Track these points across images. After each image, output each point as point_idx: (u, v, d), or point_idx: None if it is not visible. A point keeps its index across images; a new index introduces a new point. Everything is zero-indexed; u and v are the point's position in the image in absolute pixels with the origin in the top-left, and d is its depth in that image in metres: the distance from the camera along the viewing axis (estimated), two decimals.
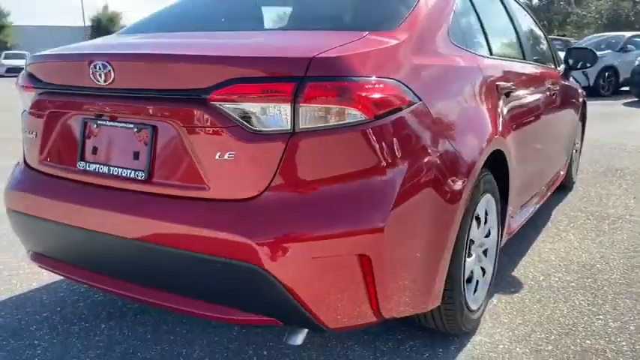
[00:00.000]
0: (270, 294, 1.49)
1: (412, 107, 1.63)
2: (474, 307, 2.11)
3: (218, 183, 1.53)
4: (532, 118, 2.67)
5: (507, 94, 2.34)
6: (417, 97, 1.66)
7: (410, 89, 1.64)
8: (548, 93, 3.03)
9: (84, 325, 2.20)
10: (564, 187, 4.31)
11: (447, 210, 1.72)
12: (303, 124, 1.47)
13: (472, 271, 2.10)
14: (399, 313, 1.69)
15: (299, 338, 1.62)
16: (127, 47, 1.87)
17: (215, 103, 1.49)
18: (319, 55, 1.48)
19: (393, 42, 1.70)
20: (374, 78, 1.53)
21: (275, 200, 1.48)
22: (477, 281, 2.17)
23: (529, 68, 2.86)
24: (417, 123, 1.64)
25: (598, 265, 2.87)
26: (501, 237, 2.43)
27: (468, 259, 1.99)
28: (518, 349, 2.05)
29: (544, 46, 3.61)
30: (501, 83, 2.27)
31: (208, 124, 1.51)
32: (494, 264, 2.34)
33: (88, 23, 58.66)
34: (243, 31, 2.03)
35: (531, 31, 3.41)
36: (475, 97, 2.01)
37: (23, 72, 1.98)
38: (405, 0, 1.95)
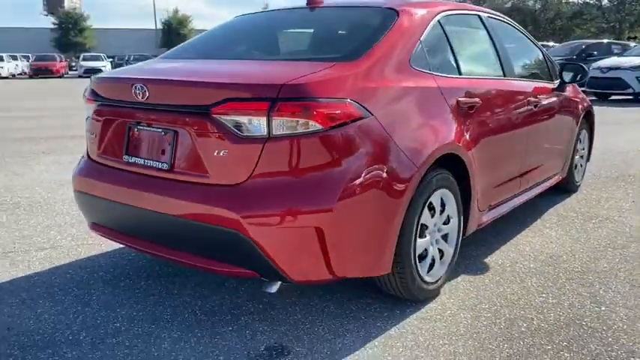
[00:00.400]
0: (250, 253, 2.08)
1: (363, 120, 2.17)
2: (429, 279, 2.62)
3: (216, 172, 2.13)
4: (503, 128, 3.14)
5: (471, 107, 2.83)
6: (369, 112, 2.21)
7: (363, 106, 2.19)
8: (529, 105, 3.46)
9: (128, 282, 2.88)
10: (566, 190, 4.67)
11: (391, 198, 2.25)
12: (275, 131, 2.05)
13: (426, 250, 2.61)
14: (350, 274, 2.25)
15: (274, 288, 2.20)
16: (159, 73, 2.52)
17: (215, 115, 2.10)
18: (288, 83, 2.06)
19: (352, 70, 2.26)
20: (330, 99, 2.10)
21: (255, 186, 2.07)
22: (434, 259, 2.67)
23: (506, 84, 3.31)
24: (366, 132, 2.18)
25: (564, 257, 3.28)
26: (466, 227, 2.91)
27: (419, 240, 2.51)
28: (462, 314, 2.54)
29: (535, 62, 4.03)
30: (464, 99, 2.77)
31: (210, 130, 2.12)
32: (456, 247, 2.83)
33: (160, 26, 61.52)
34: (248, 60, 2.64)
35: (520, 50, 3.85)
36: (428, 111, 2.52)
37: (87, 88, 2.67)
38: (370, 37, 2.50)
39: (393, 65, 2.44)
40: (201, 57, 2.81)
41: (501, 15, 3.81)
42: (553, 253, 3.34)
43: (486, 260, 3.23)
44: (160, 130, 2.29)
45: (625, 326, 2.41)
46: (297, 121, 2.05)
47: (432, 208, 2.60)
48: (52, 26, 58.34)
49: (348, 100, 2.15)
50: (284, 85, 2.05)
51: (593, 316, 2.51)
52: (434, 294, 2.70)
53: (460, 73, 2.93)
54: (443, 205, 2.69)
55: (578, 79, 4.04)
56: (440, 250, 2.74)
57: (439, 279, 2.71)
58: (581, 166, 4.85)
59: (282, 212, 2.06)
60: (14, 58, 35.07)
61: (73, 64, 36.21)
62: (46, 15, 64.88)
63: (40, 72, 31.94)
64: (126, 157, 2.44)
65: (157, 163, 2.31)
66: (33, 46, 52.93)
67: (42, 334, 2.32)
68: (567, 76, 4.09)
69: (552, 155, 4.06)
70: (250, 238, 2.05)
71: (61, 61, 35.29)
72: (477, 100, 2.89)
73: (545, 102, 3.76)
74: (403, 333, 2.35)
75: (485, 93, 3.02)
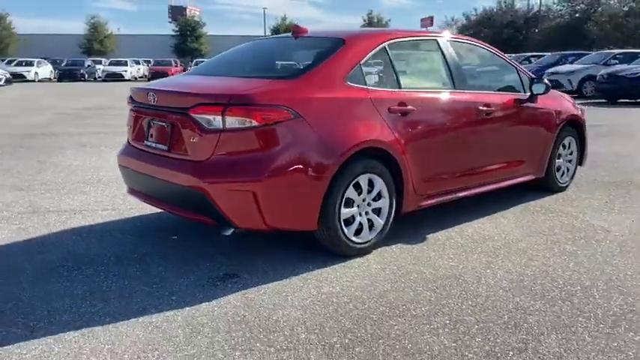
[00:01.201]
0: (211, 207, 3.14)
1: (292, 120, 3.15)
2: (357, 240, 3.52)
3: (192, 152, 3.21)
4: (441, 132, 3.95)
5: (404, 114, 3.70)
6: (299, 114, 3.18)
7: (293, 110, 3.17)
8: (479, 113, 4.21)
9: (153, 233, 4.05)
10: (547, 189, 5.26)
11: (313, 175, 3.19)
12: (227, 126, 3.09)
13: (353, 217, 3.51)
14: (281, 226, 3.24)
15: (228, 232, 3.24)
16: (166, 86, 3.67)
17: (192, 114, 3.19)
18: (235, 93, 3.11)
19: (289, 85, 3.26)
20: (264, 105, 3.11)
21: (214, 162, 3.13)
22: (362, 225, 3.57)
23: (452, 95, 4.10)
24: (294, 128, 3.16)
25: (496, 237, 4.01)
26: (400, 207, 3.77)
27: (345, 209, 3.42)
28: (375, 265, 3.42)
29: (502, 77, 4.74)
30: (396, 107, 3.64)
31: (189, 124, 3.20)
32: (387, 220, 3.68)
33: (268, 33, 64.85)
34: (228, 76, 3.71)
35: (485, 67, 4.60)
36: (355, 115, 3.43)
37: (129, 95, 3.87)
38: (315, 61, 3.48)
39: (327, 81, 3.41)
40: (204, 73, 3.95)
41: (471, 39, 4.59)
42: (488, 234, 4.07)
43: (429, 235, 4.03)
44: (164, 123, 3.42)
45: (483, 284, 3.18)
46: (241, 119, 3.09)
47: (359, 187, 3.50)
48: (173, 33, 63.65)
49: (280, 105, 3.15)
50: (232, 95, 3.11)
51: (470, 274, 3.30)
52: (363, 252, 3.59)
53: (400, 87, 3.80)
54: (372, 186, 3.58)
55: (543, 91, 4.68)
56: (370, 220, 3.63)
57: (367, 241, 3.60)
58: (567, 169, 5.40)
59: (230, 180, 3.10)
60: (137, 62, 39.08)
61: (189, 67, 39.78)
62: (170, 22, 70.88)
63: (157, 75, 35.41)
64: (146, 142, 3.60)
65: (162, 146, 3.44)
66: (155, 51, 57.86)
67: (98, 257, 3.54)
68: (539, 88, 4.73)
69: (517, 157, 4.72)
70: (210, 197, 3.11)
71: (176, 65, 38.84)
72: (411, 107, 3.74)
73: (503, 111, 4.47)
74: (323, 273, 3.29)
75: (422, 102, 3.85)
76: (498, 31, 56.40)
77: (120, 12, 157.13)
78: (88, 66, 36.63)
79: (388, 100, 3.65)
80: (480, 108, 4.25)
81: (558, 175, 5.29)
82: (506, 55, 5.01)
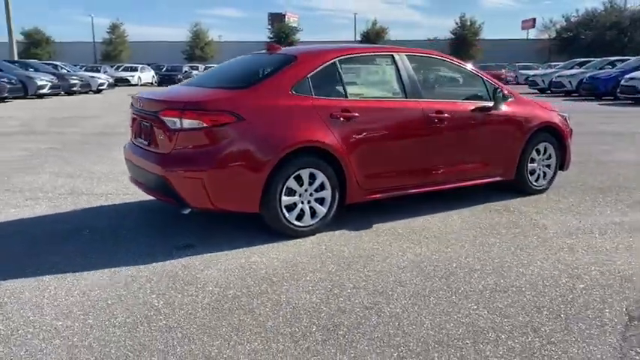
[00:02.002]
0: (171, 190, 3.99)
1: (236, 122, 3.93)
2: (298, 224, 4.23)
3: (160, 147, 4.08)
4: (385, 135, 4.54)
5: (347, 119, 4.35)
6: (242, 117, 3.96)
7: (237, 114, 3.95)
8: (429, 119, 4.75)
9: (150, 213, 4.99)
10: (520, 191, 5.63)
11: (254, 167, 3.95)
12: (183, 126, 3.93)
13: (295, 204, 4.21)
14: (227, 208, 4.02)
15: (186, 211, 4.08)
16: (150, 94, 4.56)
17: (160, 117, 4.06)
18: (189, 100, 3.95)
19: (237, 94, 4.05)
20: (212, 110, 3.92)
21: (174, 155, 3.98)
22: (304, 212, 4.26)
23: (400, 103, 4.68)
24: (238, 129, 3.94)
25: (434, 229, 4.54)
26: (344, 199, 4.42)
27: (286, 197, 4.14)
28: (307, 245, 4.10)
29: (463, 87, 5.22)
30: (338, 113, 4.31)
31: (159, 125, 4.08)
32: (329, 209, 4.35)
33: (359, 37, 65.81)
34: (201, 87, 4.54)
35: (446, 78, 5.12)
36: (297, 119, 4.14)
37: (130, 102, 4.82)
38: (267, 74, 4.24)
39: (272, 91, 4.16)
40: (190, 84, 4.82)
41: (435, 53, 5.16)
42: (429, 227, 4.60)
43: (376, 224, 4.63)
44: (147, 123, 4.33)
45: (385, 263, 3.77)
46: (194, 121, 3.92)
47: (300, 179, 4.21)
48: (267, 40, 66.40)
49: (226, 111, 3.94)
50: (188, 102, 3.95)
51: (381, 255, 3.89)
52: (305, 235, 4.28)
53: (346, 96, 4.45)
54: (314, 178, 4.27)
55: (501, 101, 5.12)
56: (312, 208, 4.32)
57: (309, 226, 4.29)
58: (544, 173, 5.73)
59: (184, 169, 3.93)
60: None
61: None
62: (269, 29, 73.92)
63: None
64: (138, 139, 4.53)
65: (145, 142, 4.35)
66: None
67: (99, 227, 4.53)
68: (499, 98, 5.17)
69: (479, 159, 5.17)
70: (170, 182, 3.97)
71: None
72: (354, 114, 4.38)
73: (459, 117, 4.97)
74: (261, 248, 4.03)
75: (365, 109, 4.47)
76: (600, 33, 53.57)
77: (225, 19, 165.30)
78: (185, 71, 39.39)
79: (331, 107, 4.32)
80: (431, 115, 4.78)
81: (532, 178, 5.64)
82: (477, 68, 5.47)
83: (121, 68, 38.90)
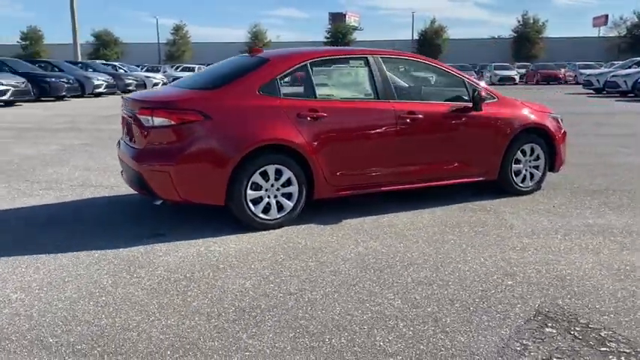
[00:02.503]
0: (144, 183, 4.36)
1: (202, 120, 4.25)
2: (265, 217, 4.49)
3: (137, 143, 4.44)
4: (353, 134, 4.73)
5: (314, 118, 4.58)
6: (209, 116, 4.27)
7: (204, 113, 4.26)
8: (400, 119, 4.89)
9: (138, 205, 5.39)
10: (505, 191, 5.66)
11: (218, 162, 4.25)
12: (154, 124, 4.28)
13: (261, 198, 4.48)
14: (194, 200, 4.34)
15: (158, 202, 4.43)
16: (132, 95, 4.94)
17: (137, 115, 4.43)
18: (160, 100, 4.30)
19: (206, 95, 4.36)
20: (180, 109, 4.24)
21: (146, 150, 4.34)
22: (270, 205, 4.52)
23: (370, 104, 4.85)
24: (204, 127, 4.25)
25: (400, 226, 4.68)
26: (311, 194, 4.65)
27: (252, 191, 4.41)
28: (269, 236, 4.35)
29: (441, 88, 5.32)
30: (305, 112, 4.54)
31: (136, 123, 4.45)
32: (296, 203, 4.59)
33: (417, 37, 65.27)
34: (181, 88, 4.87)
35: (422, 80, 5.24)
36: (263, 118, 4.40)
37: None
38: (237, 76, 4.53)
39: (240, 92, 4.44)
40: (173, 85, 5.17)
41: (415, 56, 5.29)
42: (395, 223, 4.74)
43: (346, 220, 4.80)
44: (129, 122, 4.72)
45: (330, 254, 3.97)
46: (163, 119, 4.26)
47: (266, 175, 4.47)
48: (324, 40, 66.97)
49: (194, 110, 4.26)
50: (157, 102, 4.30)
51: (331, 248, 4.10)
52: (272, 227, 4.53)
53: (315, 97, 4.68)
54: (280, 174, 4.52)
55: (479, 102, 5.18)
56: (279, 202, 4.57)
57: (276, 219, 4.54)
58: (531, 174, 5.73)
59: (155, 163, 4.28)
60: None
61: None
62: (327, 29, 74.42)
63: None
64: (125, 137, 4.93)
65: (128, 139, 4.74)
66: None
67: (92, 215, 4.97)
68: (477, 99, 5.24)
69: (457, 159, 5.26)
70: (142, 175, 4.33)
71: None
72: (322, 114, 4.60)
73: (434, 118, 5.08)
74: (224, 238, 4.33)
75: (333, 109, 4.68)
76: None
77: (287, 19, 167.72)
78: None
79: (299, 107, 4.56)
80: (402, 115, 4.92)
81: (518, 179, 5.65)
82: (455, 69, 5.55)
83: (180, 68, 40.36)
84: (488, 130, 5.38)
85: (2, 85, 16.39)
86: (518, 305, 3.11)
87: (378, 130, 4.88)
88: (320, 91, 4.75)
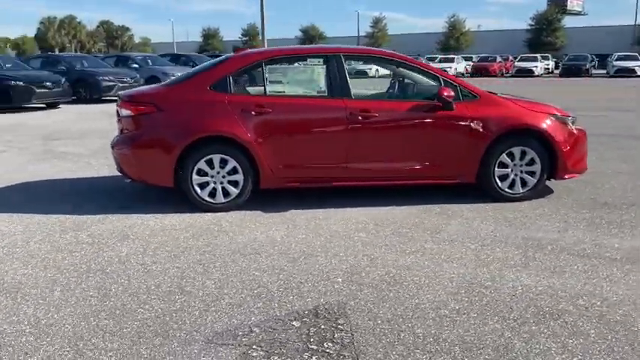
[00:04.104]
0: (117, 164, 5.24)
1: (156, 112, 4.96)
2: (211, 200, 5.02)
3: (117, 131, 5.34)
4: (298, 129, 4.98)
5: (259, 113, 4.97)
6: (161, 109, 4.97)
7: (157, 106, 4.97)
8: (351, 116, 4.98)
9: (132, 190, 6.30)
10: (489, 195, 5.32)
11: (166, 149, 4.91)
12: (122, 115, 5.12)
13: (207, 183, 5.03)
14: (148, 181, 5.09)
15: (127, 180, 5.26)
16: (123, 92, 5.80)
17: (117, 108, 5.30)
18: (125, 95, 5.11)
19: (163, 90, 5.06)
20: (138, 101, 5.01)
21: (120, 137, 5.19)
22: (215, 190, 5.05)
23: (315, 101, 5.04)
24: (156, 118, 4.96)
25: (334, 219, 4.85)
26: (258, 183, 5.06)
27: (197, 177, 4.99)
28: (208, 217, 4.89)
29: (406, 86, 5.23)
30: (251, 106, 4.95)
31: (119, 114, 5.32)
32: (242, 190, 5.04)
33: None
34: (156, 84, 5.60)
35: (385, 77, 5.19)
36: (209, 112, 4.93)
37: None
38: (196, 73, 5.12)
39: (192, 87, 5.04)
40: (163, 83, 5.94)
41: (386, 53, 5.33)
42: (336, 217, 4.88)
43: (293, 211, 5.09)
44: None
45: (237, 239, 4.36)
46: (126, 111, 5.07)
47: (211, 163, 5.01)
48: (528, 27, 62.67)
49: (149, 102, 4.99)
50: (125, 96, 5.12)
51: (239, 233, 4.49)
52: (220, 210, 5.05)
53: (265, 93, 5.06)
54: (225, 163, 5.02)
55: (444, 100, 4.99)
56: (225, 189, 5.07)
57: (222, 203, 5.06)
58: (522, 180, 5.27)
59: (122, 147, 5.13)
60: (466, 59, 41.04)
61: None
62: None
63: (479, 71, 36.66)
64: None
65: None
66: (510, 47, 58.10)
67: (90, 190, 6.06)
68: (444, 97, 5.04)
69: (423, 159, 5.14)
70: (116, 158, 5.22)
71: (499, 61, 39.18)
72: (267, 109, 4.97)
73: (398, 116, 5.06)
74: (175, 215, 4.99)
75: (280, 106, 5.00)
76: None
77: (503, 5, 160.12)
78: None
79: (245, 103, 4.99)
80: (354, 113, 5.00)
81: (504, 184, 5.27)
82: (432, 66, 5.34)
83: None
84: (460, 131, 5.13)
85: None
86: (306, 298, 3.23)
87: (326, 127, 5.06)
88: (272, 88, 5.10)
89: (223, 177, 5.06)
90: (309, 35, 73.88)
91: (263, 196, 5.28)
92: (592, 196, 5.50)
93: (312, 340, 2.77)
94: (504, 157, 5.22)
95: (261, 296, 3.29)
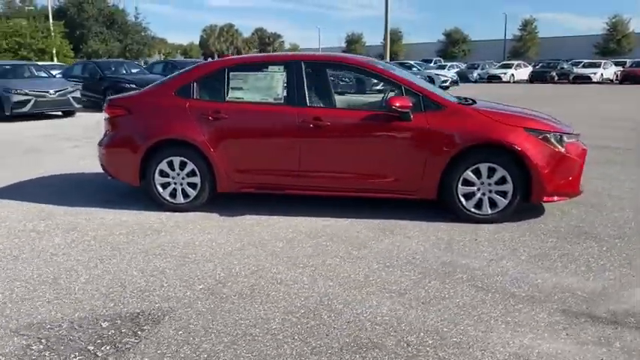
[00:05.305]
0: (101, 162, 5.71)
1: (126, 115, 5.33)
2: (172, 200, 5.27)
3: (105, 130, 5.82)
4: (251, 134, 5.03)
5: (216, 118, 5.11)
6: (131, 112, 5.33)
7: (128, 109, 5.34)
8: (303, 123, 4.91)
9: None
10: (452, 212, 4.91)
11: (133, 149, 5.24)
12: (105, 117, 5.57)
13: (169, 183, 5.27)
14: (120, 178, 5.47)
15: (109, 177, 5.70)
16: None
17: (104, 110, 5.77)
18: (109, 98, 5.55)
19: (134, 94, 5.41)
20: (115, 105, 5.42)
21: (102, 138, 5.65)
22: (176, 191, 5.28)
23: (270, 108, 5.00)
24: (127, 120, 5.32)
25: (303, 229, 4.83)
26: (215, 187, 5.20)
27: (160, 177, 5.26)
28: (162, 216, 5.14)
29: (364, 95, 4.96)
30: (207, 113, 5.11)
31: (104, 115, 5.80)
32: (199, 192, 5.20)
33: None
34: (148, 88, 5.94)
35: (343, 85, 5.02)
36: (170, 117, 5.17)
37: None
38: (164, 80, 5.39)
39: (158, 93, 5.33)
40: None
41: (351, 61, 5.18)
42: (293, 227, 4.87)
43: (247, 216, 5.15)
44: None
45: (165, 239, 4.55)
46: (105, 113, 5.51)
47: (172, 165, 5.26)
48: None
49: (122, 105, 5.38)
50: (107, 99, 5.56)
51: (170, 233, 4.67)
52: (181, 210, 5.27)
53: (224, 99, 5.18)
54: (184, 165, 5.24)
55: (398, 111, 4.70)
56: (184, 190, 5.29)
57: (182, 204, 5.27)
58: (492, 200, 4.78)
59: (101, 146, 5.57)
60: (617, 64, 37.04)
61: None
62: None
63: (628, 78, 32.83)
64: None
65: None
66: None
67: (93, 183, 6.62)
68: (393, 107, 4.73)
69: (376, 171, 4.89)
70: (99, 157, 5.69)
71: None
72: (224, 115, 5.09)
73: (351, 125, 4.89)
74: (140, 212, 5.32)
75: (235, 112, 5.07)
76: None
77: None
78: (561, 68, 37.22)
79: (204, 108, 5.15)
80: (307, 121, 4.91)
81: (469, 203, 4.82)
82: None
83: (498, 65, 39.73)
84: (417, 143, 4.80)
85: None
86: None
87: (279, 134, 5.04)
88: (232, 94, 5.18)
89: (183, 179, 5.26)
90: (452, 39, 71.87)
91: (230, 200, 5.40)
92: (580, 223, 4.80)
93: (97, 342, 2.85)
94: (469, 174, 4.77)
95: (110, 295, 3.43)
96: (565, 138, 4.83)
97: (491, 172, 4.74)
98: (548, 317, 3.11)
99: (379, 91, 5.27)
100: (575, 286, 3.53)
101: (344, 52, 77.10)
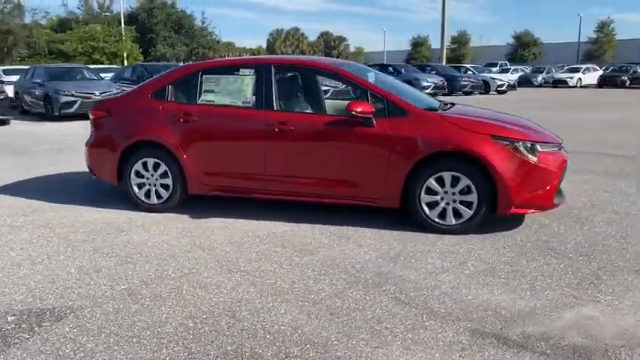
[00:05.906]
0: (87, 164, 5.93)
1: (106, 116, 5.51)
2: (146, 201, 5.39)
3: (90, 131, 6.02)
4: (220, 137, 5.05)
5: (186, 121, 5.19)
6: (111, 114, 5.51)
7: (109, 111, 5.52)
8: (266, 128, 4.87)
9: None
10: (416, 221, 4.73)
11: (112, 149, 5.39)
12: (92, 118, 5.78)
13: (143, 184, 5.39)
14: (102, 178, 5.65)
15: (94, 177, 5.89)
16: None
17: (92, 113, 5.98)
18: (95, 101, 5.74)
19: (114, 97, 5.59)
20: (98, 107, 5.62)
21: (92, 137, 5.86)
22: (149, 192, 5.38)
23: (237, 111, 5.00)
24: (107, 122, 5.50)
25: (260, 233, 4.84)
26: (186, 188, 5.28)
27: (136, 178, 5.40)
28: (134, 216, 5.28)
29: (330, 99, 4.85)
30: (179, 115, 5.19)
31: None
32: (171, 194, 5.29)
33: None
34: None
35: (309, 89, 4.99)
36: (145, 118, 5.29)
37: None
38: (144, 83, 5.53)
39: (136, 95, 5.47)
40: None
41: (320, 64, 5.12)
42: (251, 231, 4.88)
43: (211, 218, 5.15)
44: None
45: (137, 241, 4.66)
46: (91, 115, 5.72)
47: (146, 166, 5.38)
48: None
49: (103, 108, 5.57)
50: (95, 103, 5.77)
51: (130, 231, 4.77)
52: (155, 210, 5.37)
53: (195, 102, 5.24)
54: (157, 166, 5.34)
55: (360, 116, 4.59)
56: (157, 191, 5.39)
57: (155, 204, 5.38)
58: (458, 211, 4.57)
59: (88, 146, 5.78)
60: None
61: None
62: None
63: None
64: None
65: None
66: None
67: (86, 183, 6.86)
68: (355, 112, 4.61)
69: (339, 177, 4.79)
70: (86, 157, 5.91)
71: None
72: (194, 118, 5.16)
73: (313, 130, 4.82)
74: (120, 212, 5.50)
75: (204, 114, 5.12)
76: None
77: None
78: (634, 72, 35.03)
79: (175, 111, 5.24)
80: (272, 124, 4.89)
81: (432, 213, 4.63)
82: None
83: (566, 69, 37.96)
84: (379, 150, 4.65)
85: (427, 81, 23.15)
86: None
87: (245, 137, 5.05)
88: (204, 97, 5.24)
89: (156, 180, 5.37)
90: (522, 42, 69.37)
91: (206, 202, 5.47)
92: (552, 238, 4.50)
93: None
94: (432, 182, 4.58)
95: (35, 291, 3.55)
96: (539, 147, 4.55)
97: (455, 180, 4.53)
98: (452, 337, 2.94)
99: (356, 98, 5.14)
100: (503, 304, 3.31)
101: (409, 54, 76.19)
